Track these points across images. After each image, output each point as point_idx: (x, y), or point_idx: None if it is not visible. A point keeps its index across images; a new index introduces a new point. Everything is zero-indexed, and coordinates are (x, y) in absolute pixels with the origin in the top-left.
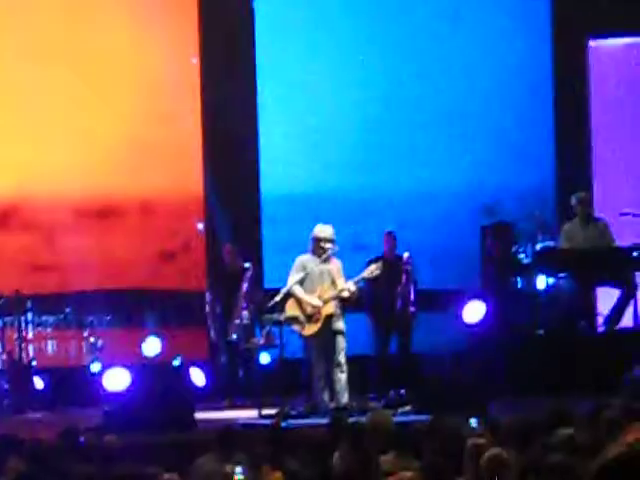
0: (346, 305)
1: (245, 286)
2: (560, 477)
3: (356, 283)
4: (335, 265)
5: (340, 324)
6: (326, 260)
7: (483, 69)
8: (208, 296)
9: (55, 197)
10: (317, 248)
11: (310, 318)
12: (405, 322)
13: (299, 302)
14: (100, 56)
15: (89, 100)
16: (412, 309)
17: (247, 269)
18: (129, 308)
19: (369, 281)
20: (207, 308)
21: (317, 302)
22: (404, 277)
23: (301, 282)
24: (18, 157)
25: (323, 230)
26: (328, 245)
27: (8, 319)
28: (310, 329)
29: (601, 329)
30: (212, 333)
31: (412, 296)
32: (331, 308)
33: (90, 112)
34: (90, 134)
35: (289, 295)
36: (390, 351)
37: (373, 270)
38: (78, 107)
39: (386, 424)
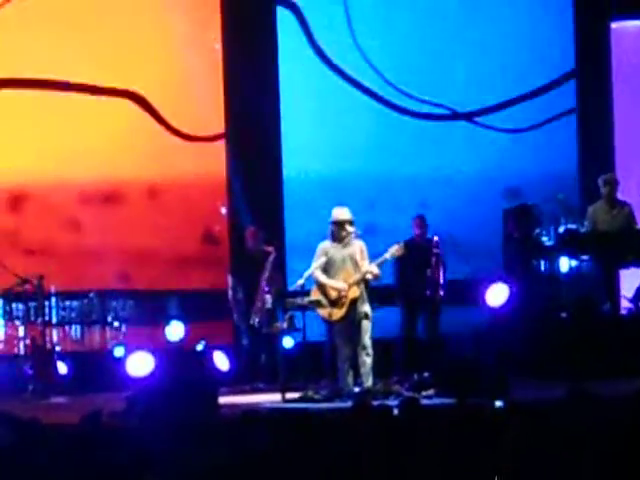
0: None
1: (268, 270)
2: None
3: (379, 265)
4: (358, 247)
5: (365, 307)
6: (347, 245)
7: (506, 53)
8: (230, 280)
9: (71, 182)
10: (336, 232)
11: (335, 303)
12: (434, 306)
13: (322, 287)
14: (121, 39)
15: (108, 83)
16: (441, 293)
17: (270, 252)
18: (153, 294)
19: (397, 263)
20: (230, 292)
21: (342, 285)
22: (433, 260)
23: (325, 269)
24: (32, 141)
25: (340, 213)
26: (348, 227)
27: (32, 304)
28: (336, 314)
29: (624, 312)
30: (235, 317)
31: (442, 280)
32: (356, 292)
33: (109, 95)
34: (111, 118)
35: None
36: (417, 335)
37: (395, 251)
38: (96, 90)
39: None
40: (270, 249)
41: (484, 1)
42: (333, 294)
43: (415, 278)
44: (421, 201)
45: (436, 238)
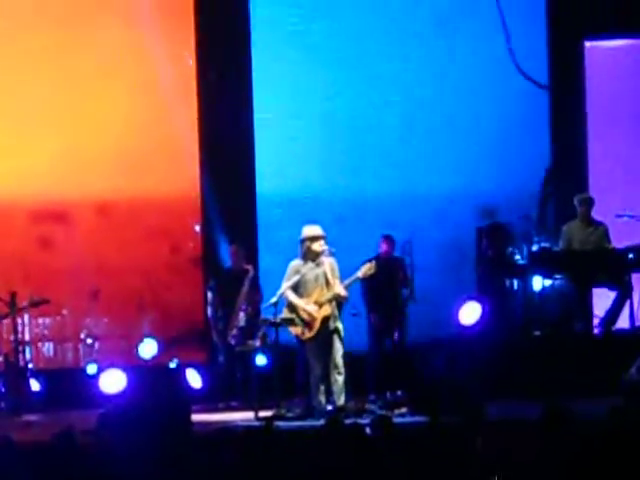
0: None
1: (246, 288)
2: None
3: (347, 287)
4: (328, 265)
5: (337, 324)
6: (319, 263)
7: (479, 70)
8: (210, 297)
9: (51, 198)
10: (308, 250)
11: (306, 323)
12: (401, 322)
13: (294, 307)
14: (95, 57)
15: (82, 101)
16: (407, 310)
17: (248, 270)
18: (126, 310)
19: (365, 281)
20: (209, 309)
21: (311, 308)
22: (401, 278)
23: (296, 288)
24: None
25: (311, 230)
26: (320, 244)
27: (4, 321)
28: (308, 333)
29: (597, 330)
30: (214, 334)
31: (409, 296)
32: (328, 310)
33: (84, 113)
34: (85, 136)
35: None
36: (386, 350)
37: (367, 270)
38: (71, 108)
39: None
40: (249, 267)
41: (455, 14)
42: (304, 315)
43: (381, 296)
44: (394, 220)
45: (406, 259)
